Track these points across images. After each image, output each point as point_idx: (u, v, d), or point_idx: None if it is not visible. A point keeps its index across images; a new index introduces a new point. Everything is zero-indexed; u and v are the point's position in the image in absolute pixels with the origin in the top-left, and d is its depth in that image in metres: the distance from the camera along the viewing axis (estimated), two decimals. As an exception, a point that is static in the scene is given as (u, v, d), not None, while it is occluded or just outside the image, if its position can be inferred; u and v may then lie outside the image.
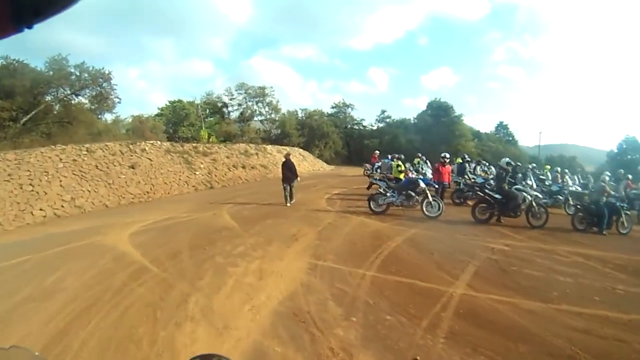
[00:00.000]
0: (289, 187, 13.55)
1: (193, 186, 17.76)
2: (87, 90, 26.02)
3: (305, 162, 31.11)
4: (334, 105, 51.16)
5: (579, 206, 10.95)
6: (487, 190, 11.05)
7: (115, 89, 26.92)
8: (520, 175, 14.01)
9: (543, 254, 7.82)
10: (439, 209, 11.41)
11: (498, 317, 4.70)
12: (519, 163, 16.79)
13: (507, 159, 11.41)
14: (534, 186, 13.30)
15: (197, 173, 18.28)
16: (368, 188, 15.85)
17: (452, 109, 45.89)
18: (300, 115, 48.62)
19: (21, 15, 0.55)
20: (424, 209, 11.46)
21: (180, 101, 42.09)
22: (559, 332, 4.30)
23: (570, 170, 22.23)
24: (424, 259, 7.16)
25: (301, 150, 33.98)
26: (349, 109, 50.81)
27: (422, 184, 11.77)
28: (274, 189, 17.31)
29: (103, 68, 26.00)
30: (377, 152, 27.27)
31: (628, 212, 10.83)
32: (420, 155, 20.35)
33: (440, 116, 45.18)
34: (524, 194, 10.61)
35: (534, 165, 23.03)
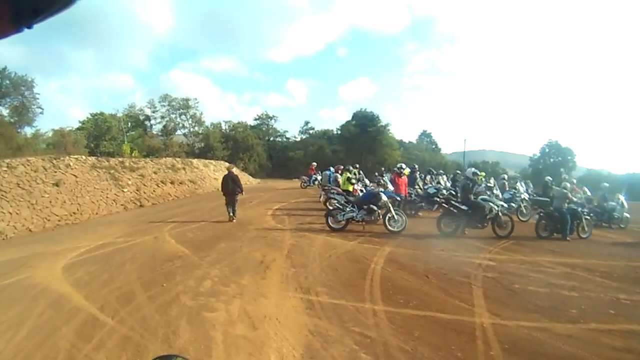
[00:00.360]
0: (232, 202, 12.63)
1: (122, 205, 15.57)
2: (8, 100, 23.67)
3: None
4: (257, 117, 50.03)
5: (542, 214, 10.95)
6: (453, 202, 10.64)
7: (38, 99, 24.23)
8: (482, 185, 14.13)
9: (530, 267, 7.62)
10: (402, 224, 10.67)
11: (545, 348, 4.25)
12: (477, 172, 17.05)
13: (474, 169, 11.08)
14: (500, 196, 13.31)
15: (125, 190, 16.11)
16: (325, 203, 15.03)
17: (378, 118, 46.54)
18: (224, 127, 47.07)
19: (21, 16, 0.56)
20: (387, 223, 10.67)
21: (102, 114, 39.32)
22: (607, 354, 4.12)
23: (492, 175, 23.33)
24: (424, 284, 6.35)
25: (227, 163, 32.21)
26: (272, 121, 49.94)
27: (384, 197, 10.97)
28: (209, 205, 16.33)
29: (26, 75, 23.77)
30: (314, 163, 27.13)
31: (588, 217, 11.12)
32: (357, 166, 19.71)
33: (366, 126, 45.60)
34: (491, 204, 10.35)
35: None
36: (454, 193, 13.31)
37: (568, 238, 10.44)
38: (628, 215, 13.42)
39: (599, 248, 9.90)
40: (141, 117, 43.55)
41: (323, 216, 11.43)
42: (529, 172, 39.96)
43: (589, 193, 14.31)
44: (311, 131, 50.51)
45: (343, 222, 10.94)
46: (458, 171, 18.81)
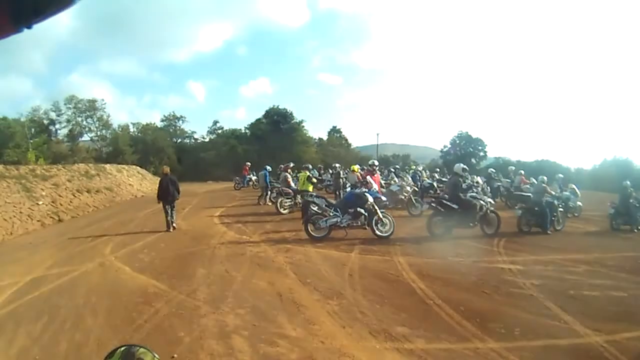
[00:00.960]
0: (170, 208, 11.23)
1: (39, 220, 12.26)
2: None
3: (146, 182, 26.17)
4: (164, 118, 45.57)
5: (523, 208, 10.82)
6: (444, 201, 9.98)
7: None
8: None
9: (555, 268, 7.39)
10: (390, 227, 9.62)
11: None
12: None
13: (462, 165, 10.52)
14: (488, 191, 13.05)
15: (40, 203, 12.95)
16: (277, 205, 13.72)
17: (292, 115, 45.27)
18: (132, 130, 42.68)
19: (21, 16, 0.56)
20: (375, 228, 9.53)
21: (5, 119, 33.44)
22: None
23: (403, 168, 23.86)
24: (493, 302, 5.55)
25: (139, 168, 28.96)
26: (180, 122, 46.00)
27: (370, 198, 9.71)
28: (137, 214, 14.22)
29: None
30: (249, 163, 25.74)
31: (562, 209, 11.24)
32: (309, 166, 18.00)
33: (279, 123, 44.29)
34: (481, 201, 9.88)
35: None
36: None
37: (548, 231, 10.53)
38: (581, 204, 14.01)
39: (581, 240, 10.27)
40: (45, 122, 37.89)
41: (282, 221, 10.67)
42: (439, 164, 41.35)
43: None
44: (219, 131, 47.48)
45: (326, 229, 9.55)
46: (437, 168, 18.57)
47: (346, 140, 50.07)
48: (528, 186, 14.02)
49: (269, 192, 16.07)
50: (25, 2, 0.55)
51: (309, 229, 9.58)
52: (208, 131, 47.40)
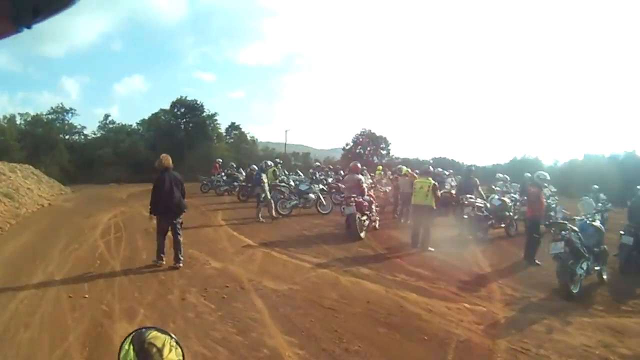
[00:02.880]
0: (173, 227, 7.75)
1: None
2: None
3: (44, 186, 21.14)
4: (52, 110, 38.33)
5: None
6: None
7: None
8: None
9: None
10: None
11: None
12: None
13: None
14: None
15: None
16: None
17: (202, 107, 41.58)
18: (19, 121, 35.66)
19: (21, 16, 0.56)
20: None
21: None
22: None
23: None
24: None
25: (32, 167, 23.24)
26: (70, 115, 39.19)
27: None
28: (84, 234, 10.90)
29: None
30: (220, 160, 24.32)
31: None
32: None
33: (185, 116, 40.94)
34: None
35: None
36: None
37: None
38: None
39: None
40: None
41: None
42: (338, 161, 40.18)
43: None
44: (112, 126, 41.64)
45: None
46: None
47: (252, 136, 46.86)
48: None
49: (264, 200, 13.40)
50: (25, 2, 0.54)
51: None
52: (99, 126, 41.46)
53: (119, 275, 7.34)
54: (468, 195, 11.01)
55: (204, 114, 41.46)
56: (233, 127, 45.86)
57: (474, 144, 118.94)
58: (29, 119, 36.44)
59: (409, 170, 12.92)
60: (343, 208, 10.96)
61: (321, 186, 15.84)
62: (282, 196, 14.08)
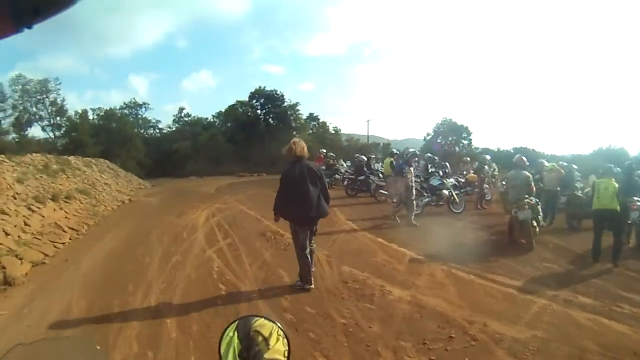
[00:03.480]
0: (309, 235, 5.56)
1: None
2: None
3: (121, 180, 19.31)
4: (124, 106, 37.53)
5: None
6: None
7: None
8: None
9: None
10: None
11: None
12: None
13: None
14: None
15: None
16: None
17: (283, 97, 38.87)
18: (91, 117, 34.47)
19: (21, 15, 0.54)
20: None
21: None
22: None
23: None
24: None
25: (108, 162, 21.60)
26: (143, 109, 38.30)
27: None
28: (164, 242, 8.13)
29: None
30: (324, 150, 20.09)
31: None
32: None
33: (265, 106, 38.50)
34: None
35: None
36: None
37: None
38: None
39: None
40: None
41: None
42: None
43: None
44: (187, 118, 40.34)
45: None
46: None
47: (335, 127, 43.49)
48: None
49: (405, 199, 10.54)
50: (26, 2, 0.52)
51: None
52: (173, 120, 40.31)
53: (266, 312, 4.55)
54: (635, 198, 9.10)
55: (285, 104, 38.77)
56: (311, 117, 43.17)
57: (556, 133, 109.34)
58: (102, 114, 35.20)
59: (555, 164, 11.55)
60: (515, 211, 8.44)
61: (452, 180, 12.87)
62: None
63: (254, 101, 39.03)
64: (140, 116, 38.60)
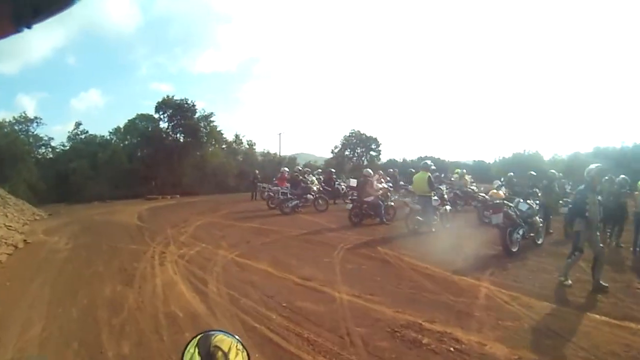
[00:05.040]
0: None
1: None
2: None
3: (10, 210, 16.09)
4: (14, 121, 32.20)
5: None
6: None
7: None
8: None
9: None
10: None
11: None
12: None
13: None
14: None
15: None
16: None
17: (194, 108, 35.87)
18: None
19: (21, 16, 0.55)
20: None
21: None
22: None
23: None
24: None
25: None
26: (35, 125, 33.05)
27: None
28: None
29: None
30: (286, 169, 20.00)
31: None
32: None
33: (174, 118, 35.48)
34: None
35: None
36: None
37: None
38: None
39: None
40: None
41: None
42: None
43: None
44: (83, 136, 35.68)
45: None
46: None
47: (249, 140, 41.23)
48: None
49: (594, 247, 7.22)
50: (25, 3, 0.53)
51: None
52: (68, 137, 35.57)
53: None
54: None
55: (197, 115, 35.88)
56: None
57: (461, 141, 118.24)
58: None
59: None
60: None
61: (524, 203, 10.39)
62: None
63: (160, 112, 35.70)
64: (31, 133, 33.12)
